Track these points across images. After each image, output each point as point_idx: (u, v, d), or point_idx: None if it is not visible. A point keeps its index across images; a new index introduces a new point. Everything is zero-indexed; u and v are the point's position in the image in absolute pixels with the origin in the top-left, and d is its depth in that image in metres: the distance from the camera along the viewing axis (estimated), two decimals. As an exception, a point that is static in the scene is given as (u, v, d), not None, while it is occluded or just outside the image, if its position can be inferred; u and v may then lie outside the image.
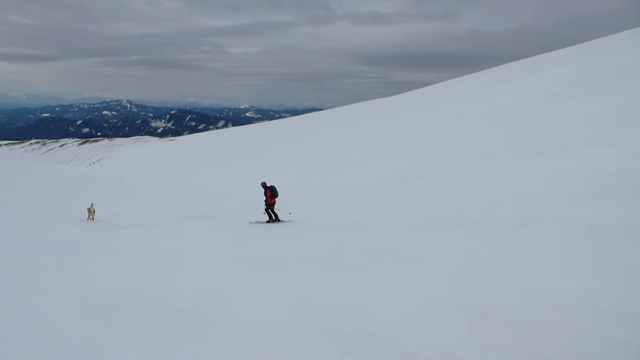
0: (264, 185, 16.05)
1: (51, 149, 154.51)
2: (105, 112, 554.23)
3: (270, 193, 15.74)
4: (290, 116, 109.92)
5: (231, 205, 19.56)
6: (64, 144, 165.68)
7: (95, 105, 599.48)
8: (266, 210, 15.88)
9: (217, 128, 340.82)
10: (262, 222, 15.84)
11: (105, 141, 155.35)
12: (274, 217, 15.81)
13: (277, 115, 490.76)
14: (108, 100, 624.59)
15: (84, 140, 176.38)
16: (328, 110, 79.29)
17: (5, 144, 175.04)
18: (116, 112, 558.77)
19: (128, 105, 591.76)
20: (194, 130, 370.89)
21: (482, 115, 29.73)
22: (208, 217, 17.58)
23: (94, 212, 18.93)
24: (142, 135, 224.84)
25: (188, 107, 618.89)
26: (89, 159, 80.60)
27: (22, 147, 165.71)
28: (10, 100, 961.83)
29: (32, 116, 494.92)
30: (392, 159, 25.75)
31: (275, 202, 15.90)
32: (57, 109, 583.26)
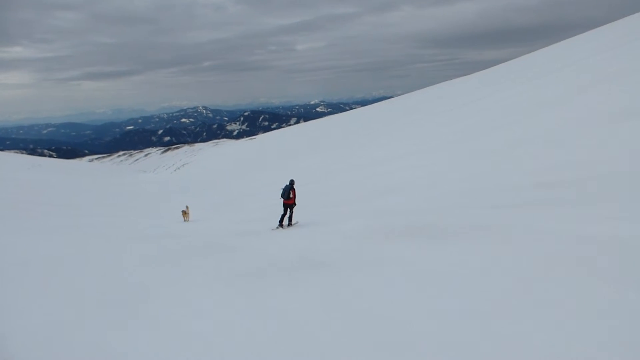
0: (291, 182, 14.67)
1: (137, 159, 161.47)
2: (183, 119, 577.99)
3: (281, 191, 14.56)
4: (360, 107, 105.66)
5: (357, 208, 15.33)
6: (148, 154, 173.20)
7: (174, 114, 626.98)
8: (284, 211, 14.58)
9: (289, 125, 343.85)
10: (293, 224, 14.53)
11: (186, 147, 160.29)
12: (287, 221, 14.60)
13: (347, 108, 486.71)
14: (185, 108, 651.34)
15: (166, 148, 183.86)
16: (436, 85, 72.80)
17: (96, 158, 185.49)
18: (193, 118, 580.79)
19: (204, 111, 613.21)
20: (267, 129, 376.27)
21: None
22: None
23: (189, 214, 19.35)
24: (219, 138, 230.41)
25: (260, 108, 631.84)
26: (173, 164, 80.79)
27: (111, 159, 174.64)
28: (97, 116, 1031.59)
29: (117, 130, 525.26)
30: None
31: (287, 204, 14.39)
32: (140, 120, 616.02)
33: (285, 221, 14.66)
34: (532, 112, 22.72)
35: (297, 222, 14.63)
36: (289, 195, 14.37)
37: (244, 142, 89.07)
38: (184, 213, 19.45)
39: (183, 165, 73.77)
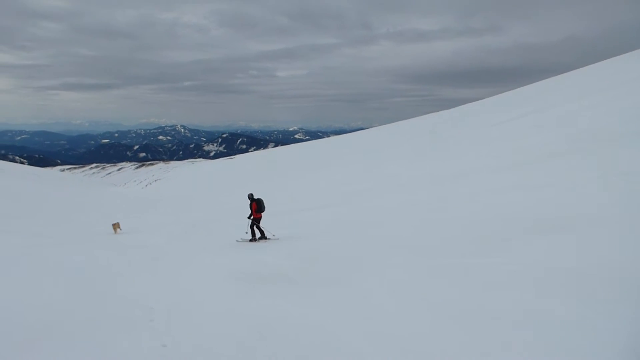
0: (250, 197, 14.74)
1: (109, 173, 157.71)
2: (160, 137, 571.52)
3: (257, 206, 14.43)
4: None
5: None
6: (121, 168, 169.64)
7: (152, 131, 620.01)
8: (251, 226, 14.59)
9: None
10: (247, 240, 14.58)
11: (161, 164, 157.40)
12: (259, 234, 14.59)
13: (325, 136, 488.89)
14: (163, 125, 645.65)
15: (140, 164, 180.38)
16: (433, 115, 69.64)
17: (67, 169, 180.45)
18: (171, 136, 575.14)
19: (182, 130, 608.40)
20: (245, 152, 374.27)
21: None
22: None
23: (118, 227, 18.91)
24: (195, 158, 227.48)
25: (239, 131, 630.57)
26: (145, 179, 78.41)
27: (83, 171, 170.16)
28: (73, 127, 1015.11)
29: (93, 142, 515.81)
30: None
31: (261, 217, 14.66)
32: (116, 134, 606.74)
33: (257, 234, 14.67)
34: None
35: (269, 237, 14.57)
36: (263, 209, 14.57)
37: (222, 161, 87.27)
38: (114, 226, 18.90)
39: (155, 180, 71.54)
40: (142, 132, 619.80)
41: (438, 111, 74.67)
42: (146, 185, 67.25)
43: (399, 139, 48.43)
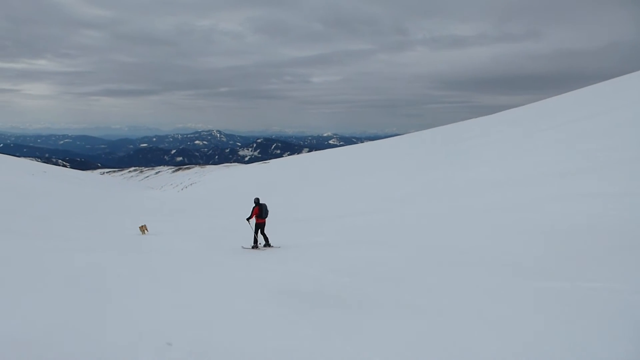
0: (256, 201, 14.35)
1: (147, 176, 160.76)
2: (197, 141, 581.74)
3: (258, 211, 14.10)
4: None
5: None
6: (159, 172, 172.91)
7: (188, 135, 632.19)
8: (254, 232, 14.19)
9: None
10: (250, 247, 14.15)
11: (197, 168, 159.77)
12: (262, 242, 14.20)
13: (359, 142, 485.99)
14: (200, 130, 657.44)
15: (177, 167, 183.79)
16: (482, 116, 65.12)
17: (107, 172, 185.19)
18: (207, 141, 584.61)
19: (218, 135, 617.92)
20: (279, 157, 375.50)
21: None
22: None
23: (146, 229, 18.88)
24: (230, 163, 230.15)
25: (273, 136, 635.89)
26: (181, 183, 79.00)
27: (122, 174, 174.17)
28: (113, 131, 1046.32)
29: (131, 146, 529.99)
30: None
31: (264, 223, 14.25)
32: (154, 139, 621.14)
33: (260, 241, 14.33)
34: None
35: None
36: (265, 215, 14.26)
37: (257, 165, 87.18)
38: (142, 228, 19.02)
39: (191, 184, 71.85)
40: (179, 136, 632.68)
41: (476, 117, 72.14)
42: (182, 189, 67.56)
43: (439, 144, 46.81)
